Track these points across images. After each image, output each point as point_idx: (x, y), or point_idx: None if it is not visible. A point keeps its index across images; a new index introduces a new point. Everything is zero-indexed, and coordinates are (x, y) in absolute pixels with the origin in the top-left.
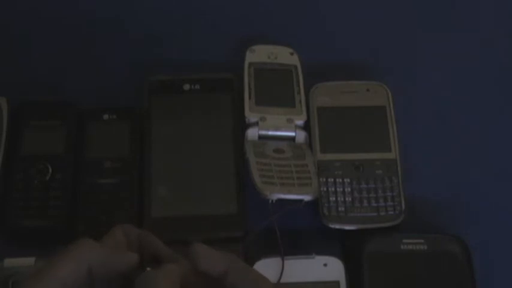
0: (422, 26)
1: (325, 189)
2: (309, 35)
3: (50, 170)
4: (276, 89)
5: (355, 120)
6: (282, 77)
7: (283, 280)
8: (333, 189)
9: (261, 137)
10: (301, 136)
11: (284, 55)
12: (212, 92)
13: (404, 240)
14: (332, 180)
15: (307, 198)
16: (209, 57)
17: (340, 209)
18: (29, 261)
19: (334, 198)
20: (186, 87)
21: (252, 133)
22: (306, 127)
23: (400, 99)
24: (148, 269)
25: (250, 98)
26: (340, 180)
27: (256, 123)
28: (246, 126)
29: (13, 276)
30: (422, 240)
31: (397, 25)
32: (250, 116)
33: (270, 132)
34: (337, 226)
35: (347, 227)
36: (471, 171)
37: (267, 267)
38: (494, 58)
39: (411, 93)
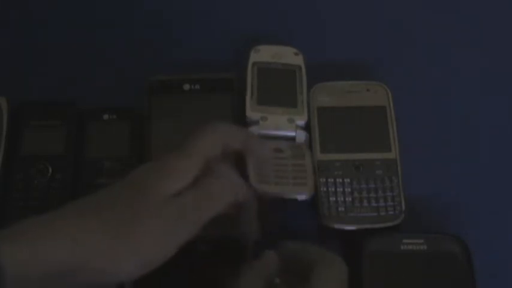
0: (423, 26)
1: (325, 189)
2: (310, 35)
3: (50, 170)
4: (278, 88)
5: (355, 120)
6: (285, 77)
7: None
8: (333, 189)
9: (261, 137)
10: (301, 136)
11: (288, 55)
12: (212, 92)
13: (404, 240)
14: (332, 180)
15: (300, 197)
16: (213, 57)
17: (340, 209)
18: None
19: (334, 198)
20: (186, 87)
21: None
22: (307, 127)
23: (400, 99)
24: None
25: (252, 97)
26: (340, 180)
27: (257, 123)
28: (247, 125)
29: None
30: (422, 240)
31: (398, 25)
32: (251, 115)
33: (271, 132)
34: (337, 226)
35: (347, 227)
36: (471, 171)
37: None
38: (495, 58)
39: (411, 93)
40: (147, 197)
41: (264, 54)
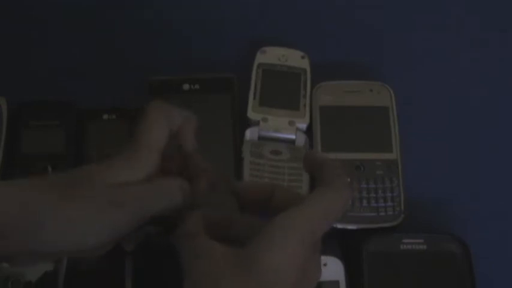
0: (424, 26)
1: None
2: (314, 35)
3: (50, 170)
4: (281, 90)
5: (357, 120)
6: (289, 80)
7: None
8: None
9: (260, 138)
10: (301, 139)
11: (295, 58)
12: (212, 92)
13: (404, 240)
14: None
15: None
16: (218, 58)
17: None
18: None
19: None
20: (186, 87)
21: (251, 133)
22: (308, 131)
23: (401, 99)
24: None
25: (254, 98)
26: None
27: (257, 123)
28: (247, 126)
29: (13, 276)
30: (421, 240)
31: (399, 25)
32: (252, 116)
33: (270, 134)
34: (337, 226)
35: (347, 227)
36: (471, 172)
37: None
38: (496, 58)
39: (412, 93)
40: (85, 181)
41: (270, 55)
